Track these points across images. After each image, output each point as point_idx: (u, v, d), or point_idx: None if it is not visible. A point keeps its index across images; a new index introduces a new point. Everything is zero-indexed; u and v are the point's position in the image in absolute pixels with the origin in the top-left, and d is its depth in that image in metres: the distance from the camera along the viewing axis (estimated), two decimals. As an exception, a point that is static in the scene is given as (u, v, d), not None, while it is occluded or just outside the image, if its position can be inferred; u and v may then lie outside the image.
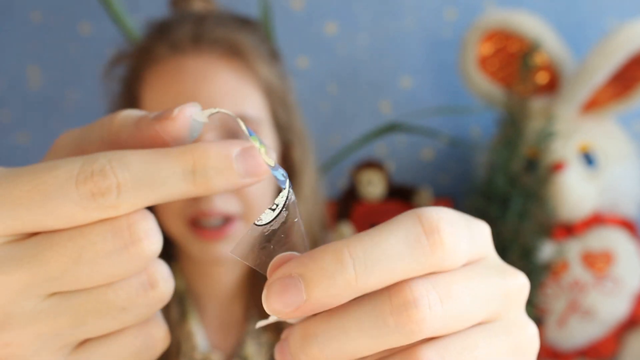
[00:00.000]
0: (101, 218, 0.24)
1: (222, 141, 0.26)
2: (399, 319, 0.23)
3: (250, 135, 0.27)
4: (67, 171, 0.24)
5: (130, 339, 0.27)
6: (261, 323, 0.28)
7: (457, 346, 0.25)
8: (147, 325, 0.27)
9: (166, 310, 0.73)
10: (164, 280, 0.26)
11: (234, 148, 0.26)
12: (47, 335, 0.25)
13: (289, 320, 0.26)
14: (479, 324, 0.26)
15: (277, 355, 0.26)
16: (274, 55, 0.75)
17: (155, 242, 0.25)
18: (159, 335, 0.27)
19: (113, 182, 0.24)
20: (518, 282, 0.28)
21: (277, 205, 0.26)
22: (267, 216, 0.26)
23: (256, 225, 0.26)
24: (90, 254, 0.24)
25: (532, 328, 0.28)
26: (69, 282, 0.24)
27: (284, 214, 0.26)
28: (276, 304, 0.24)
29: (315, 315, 0.25)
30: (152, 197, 0.25)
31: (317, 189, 0.78)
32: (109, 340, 0.26)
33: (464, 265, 0.26)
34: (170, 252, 0.76)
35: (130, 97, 0.72)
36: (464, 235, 0.26)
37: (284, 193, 0.26)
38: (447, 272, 0.25)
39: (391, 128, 1.47)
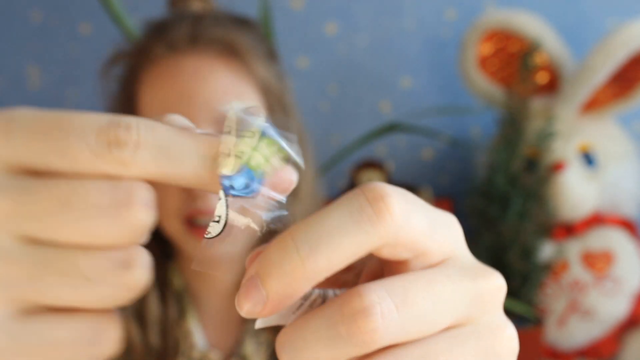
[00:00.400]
0: (107, 172, 0.23)
1: None
2: (350, 329, 0.22)
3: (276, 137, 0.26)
4: (95, 120, 0.23)
5: (80, 326, 0.24)
6: (259, 324, 0.28)
7: (417, 354, 0.23)
8: (103, 318, 0.25)
9: (165, 309, 0.73)
10: (141, 268, 0.24)
11: None
12: None
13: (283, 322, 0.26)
14: (447, 329, 0.25)
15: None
16: (271, 55, 0.75)
17: (148, 216, 0.24)
18: (110, 338, 0.25)
19: (133, 138, 0.23)
20: (492, 284, 0.26)
21: (220, 217, 0.26)
22: (213, 229, 0.26)
23: (206, 238, 0.26)
24: (81, 202, 0.23)
25: (509, 330, 0.27)
26: (48, 227, 0.23)
27: (229, 223, 0.26)
28: (244, 306, 0.24)
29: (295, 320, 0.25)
30: (165, 168, 0.24)
31: (315, 190, 0.78)
32: (57, 320, 0.24)
33: (423, 255, 0.25)
34: (168, 252, 0.76)
35: (127, 96, 0.72)
36: (418, 212, 0.24)
37: (221, 207, 0.26)
38: (406, 275, 0.24)
39: (391, 128, 1.47)
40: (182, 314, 0.73)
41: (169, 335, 0.72)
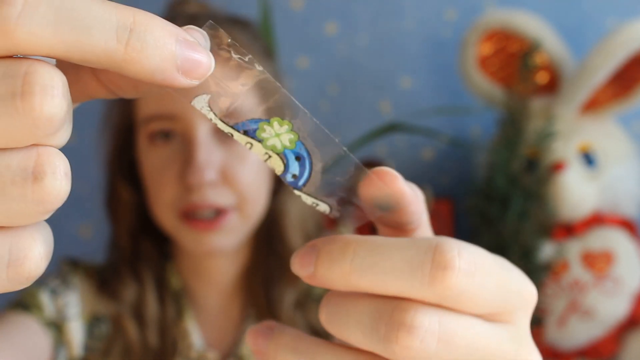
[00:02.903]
0: None
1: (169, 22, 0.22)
2: (388, 333, 0.23)
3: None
4: None
5: None
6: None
7: None
8: (22, 237, 0.21)
9: (163, 309, 0.73)
10: (54, 177, 0.20)
11: (181, 33, 0.22)
12: None
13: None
14: None
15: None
16: (267, 54, 0.75)
17: (56, 106, 0.19)
18: (33, 258, 0.21)
19: None
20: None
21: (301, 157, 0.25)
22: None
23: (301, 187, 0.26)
24: None
25: None
26: None
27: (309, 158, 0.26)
28: (294, 264, 0.26)
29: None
30: (66, 36, 0.20)
31: None
32: None
33: (484, 314, 0.25)
34: (166, 252, 0.76)
35: None
36: (483, 286, 0.24)
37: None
38: (461, 315, 0.24)
39: (391, 128, 1.47)
40: (179, 314, 0.73)
41: (167, 335, 0.71)
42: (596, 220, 1.43)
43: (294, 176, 0.26)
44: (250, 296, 0.74)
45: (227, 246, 0.68)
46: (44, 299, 0.69)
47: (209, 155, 0.64)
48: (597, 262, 1.39)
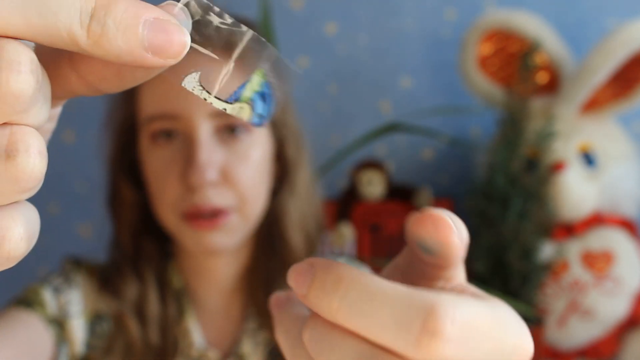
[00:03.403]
0: None
1: (140, 2, 0.22)
2: (422, 337, 0.22)
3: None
4: None
5: None
6: None
7: None
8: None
9: (164, 308, 0.73)
10: (27, 155, 0.20)
11: (149, 12, 0.22)
12: None
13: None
14: None
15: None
16: None
17: (23, 81, 0.20)
18: (12, 238, 0.21)
19: None
20: None
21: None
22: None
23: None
24: None
25: None
26: None
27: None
28: (291, 279, 0.25)
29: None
30: (34, 20, 0.20)
31: (312, 188, 0.78)
32: None
33: None
34: (167, 251, 0.76)
35: (127, 93, 0.72)
36: (474, 353, 0.22)
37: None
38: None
39: (391, 128, 1.47)
40: (181, 313, 0.74)
41: (168, 334, 0.72)
42: (596, 220, 1.43)
43: (260, 115, 0.25)
44: (250, 296, 0.74)
45: (227, 245, 0.69)
46: (47, 296, 0.69)
47: (210, 155, 0.64)
48: (597, 262, 1.39)
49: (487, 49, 1.46)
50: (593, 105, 1.41)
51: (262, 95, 0.25)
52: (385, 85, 1.71)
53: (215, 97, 0.24)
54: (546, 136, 1.37)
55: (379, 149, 1.69)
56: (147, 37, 0.22)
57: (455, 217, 0.25)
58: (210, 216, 0.66)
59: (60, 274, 0.73)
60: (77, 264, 0.75)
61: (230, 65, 0.25)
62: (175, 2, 0.24)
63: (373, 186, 1.53)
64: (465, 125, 1.68)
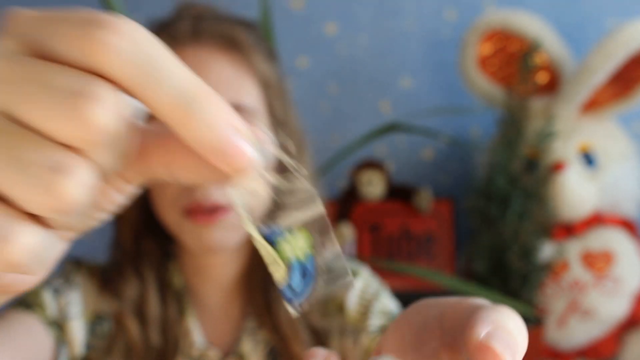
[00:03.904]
0: (83, 55, 0.21)
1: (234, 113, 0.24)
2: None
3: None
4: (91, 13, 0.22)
5: None
6: None
7: None
8: (20, 219, 0.21)
9: (165, 307, 0.73)
10: (76, 181, 0.21)
11: (239, 122, 0.24)
12: None
13: None
14: None
15: None
16: (271, 54, 0.76)
17: (109, 119, 0.21)
18: (20, 244, 0.21)
19: (121, 27, 0.21)
20: None
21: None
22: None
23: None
24: (43, 82, 0.21)
25: None
26: (10, 97, 0.21)
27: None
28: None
29: None
30: (141, 78, 0.22)
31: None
32: None
33: None
34: (168, 251, 0.76)
35: None
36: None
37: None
38: None
39: (391, 128, 1.47)
40: (181, 313, 0.74)
41: (169, 334, 0.72)
42: (596, 220, 1.43)
43: (292, 289, 0.24)
44: (250, 295, 0.75)
45: (227, 243, 0.69)
46: (47, 298, 0.69)
47: None
48: (597, 262, 1.39)
49: (487, 49, 1.46)
50: (593, 105, 1.41)
51: (304, 270, 0.24)
52: (385, 85, 1.71)
53: (250, 218, 0.24)
54: (546, 136, 1.37)
55: (379, 149, 1.69)
56: (223, 140, 0.23)
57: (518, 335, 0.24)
58: (210, 211, 0.66)
59: (61, 275, 0.73)
60: (77, 264, 0.75)
61: (278, 200, 0.25)
62: (263, 127, 0.25)
63: (373, 186, 1.53)
64: (465, 125, 1.68)
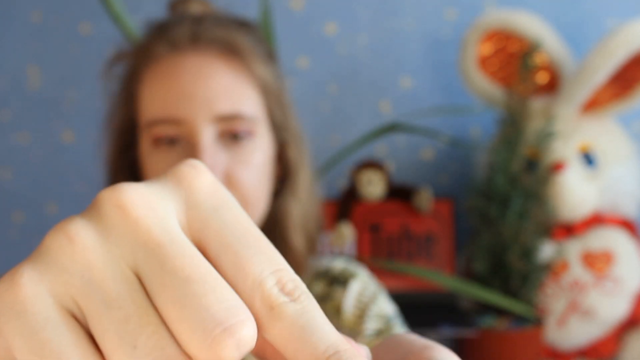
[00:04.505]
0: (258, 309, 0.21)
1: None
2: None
3: None
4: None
5: None
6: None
7: None
8: None
9: None
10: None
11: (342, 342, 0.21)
12: None
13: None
14: None
15: None
16: (270, 56, 0.75)
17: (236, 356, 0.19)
18: None
19: (301, 297, 0.21)
20: None
21: None
22: None
23: None
24: (195, 298, 0.20)
25: None
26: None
27: None
28: None
29: None
30: (290, 344, 0.21)
31: (313, 189, 0.78)
32: None
33: None
34: None
35: (128, 96, 0.72)
36: None
37: None
38: None
39: (391, 128, 1.47)
40: None
41: None
42: (596, 220, 1.43)
43: None
44: None
45: None
46: None
47: (213, 160, 0.64)
48: (597, 262, 1.39)
49: (487, 49, 1.46)
50: (593, 105, 1.41)
51: None
52: (385, 85, 1.71)
53: None
54: (546, 136, 1.37)
55: (379, 149, 1.69)
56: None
57: None
58: None
59: None
60: None
61: None
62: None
63: (373, 186, 1.52)
64: (465, 125, 1.68)
